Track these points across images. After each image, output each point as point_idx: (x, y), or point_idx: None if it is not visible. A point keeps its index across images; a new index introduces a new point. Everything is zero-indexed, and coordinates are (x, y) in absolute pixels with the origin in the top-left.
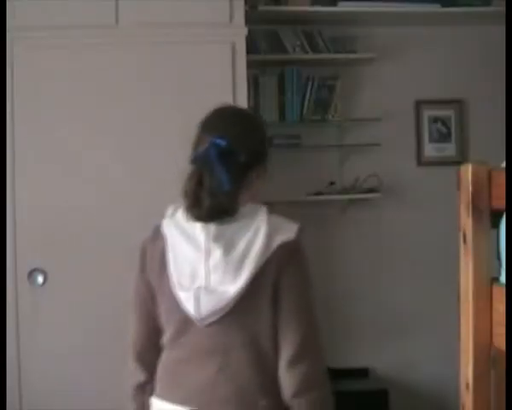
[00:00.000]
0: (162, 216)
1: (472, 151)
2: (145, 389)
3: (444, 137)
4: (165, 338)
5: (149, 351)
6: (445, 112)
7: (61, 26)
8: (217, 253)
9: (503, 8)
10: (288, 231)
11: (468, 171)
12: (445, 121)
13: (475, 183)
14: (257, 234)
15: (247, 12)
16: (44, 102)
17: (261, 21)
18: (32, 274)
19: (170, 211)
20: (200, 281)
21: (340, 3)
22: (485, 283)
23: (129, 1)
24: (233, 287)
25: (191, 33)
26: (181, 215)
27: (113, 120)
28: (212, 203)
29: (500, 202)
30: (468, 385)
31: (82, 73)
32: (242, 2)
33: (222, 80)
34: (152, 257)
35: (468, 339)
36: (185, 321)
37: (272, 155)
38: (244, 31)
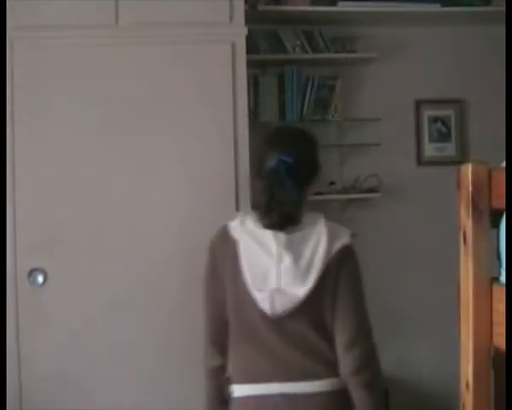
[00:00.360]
0: (161, 216)
1: (472, 151)
2: (219, 372)
3: (444, 137)
4: (237, 332)
5: (223, 339)
6: (444, 112)
7: (61, 26)
8: (287, 260)
9: (503, 8)
10: (343, 237)
11: (468, 170)
12: (444, 121)
13: (475, 182)
14: (319, 242)
15: (247, 12)
16: (44, 101)
17: (261, 21)
18: (31, 274)
19: (238, 219)
20: (272, 283)
21: (340, 3)
22: (485, 283)
23: (129, 1)
24: (302, 290)
25: (191, 33)
26: (252, 224)
27: (113, 119)
28: (282, 213)
29: (500, 202)
30: (468, 384)
31: (82, 73)
32: (242, 2)
33: (222, 80)
34: (224, 258)
35: (468, 339)
36: (259, 316)
37: None
38: (244, 30)
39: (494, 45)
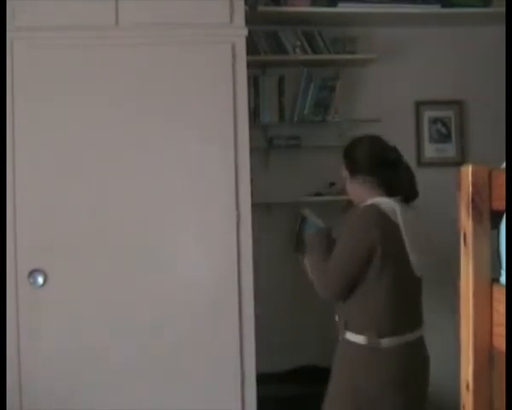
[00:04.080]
0: (160, 216)
1: (472, 152)
2: None
3: (444, 138)
4: (385, 287)
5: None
6: (445, 113)
7: (61, 26)
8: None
9: (503, 9)
10: None
11: (468, 172)
12: (445, 122)
13: (476, 184)
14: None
15: (247, 13)
16: (44, 102)
17: (261, 22)
18: (32, 275)
19: (392, 207)
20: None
21: (340, 4)
22: (486, 283)
23: (129, 1)
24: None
25: (191, 34)
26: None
27: (113, 120)
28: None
29: (500, 203)
30: (468, 385)
31: (82, 73)
32: (242, 3)
33: (222, 81)
34: (387, 230)
35: (468, 339)
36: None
37: (272, 155)
38: (244, 31)
39: (494, 46)
